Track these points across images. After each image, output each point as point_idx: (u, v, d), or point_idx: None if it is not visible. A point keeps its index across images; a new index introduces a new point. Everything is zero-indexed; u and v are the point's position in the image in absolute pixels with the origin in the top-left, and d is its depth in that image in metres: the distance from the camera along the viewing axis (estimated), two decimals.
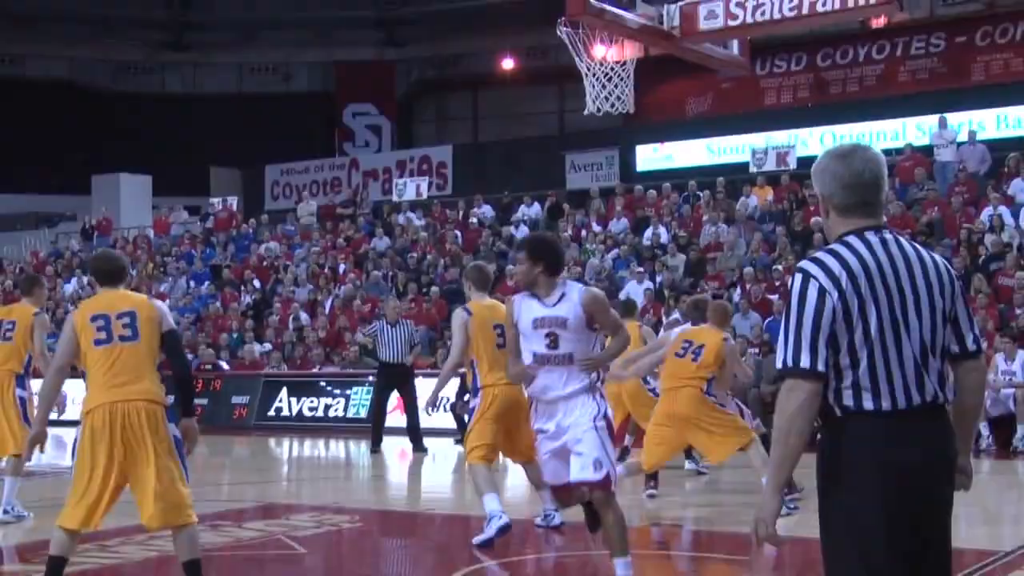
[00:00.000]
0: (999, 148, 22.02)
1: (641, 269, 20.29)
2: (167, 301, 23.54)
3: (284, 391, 20.42)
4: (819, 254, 3.58)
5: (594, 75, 12.43)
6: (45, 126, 36.49)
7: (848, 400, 3.50)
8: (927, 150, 22.39)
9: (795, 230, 20.47)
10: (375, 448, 15.83)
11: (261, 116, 37.21)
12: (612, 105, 12.57)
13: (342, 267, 24.64)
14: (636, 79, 12.77)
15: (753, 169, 23.64)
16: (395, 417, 16.79)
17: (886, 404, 3.48)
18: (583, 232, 23.18)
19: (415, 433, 15.63)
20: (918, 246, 3.66)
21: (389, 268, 23.79)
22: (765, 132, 26.74)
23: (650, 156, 29.51)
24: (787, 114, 29.03)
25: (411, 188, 28.31)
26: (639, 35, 11.74)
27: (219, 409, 20.49)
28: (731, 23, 11.61)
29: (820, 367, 3.47)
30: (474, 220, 25.55)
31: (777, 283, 18.72)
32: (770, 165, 23.43)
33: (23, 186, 36.11)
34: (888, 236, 3.59)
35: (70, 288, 28.04)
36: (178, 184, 34.16)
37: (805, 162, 24.14)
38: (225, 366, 21.81)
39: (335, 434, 18.86)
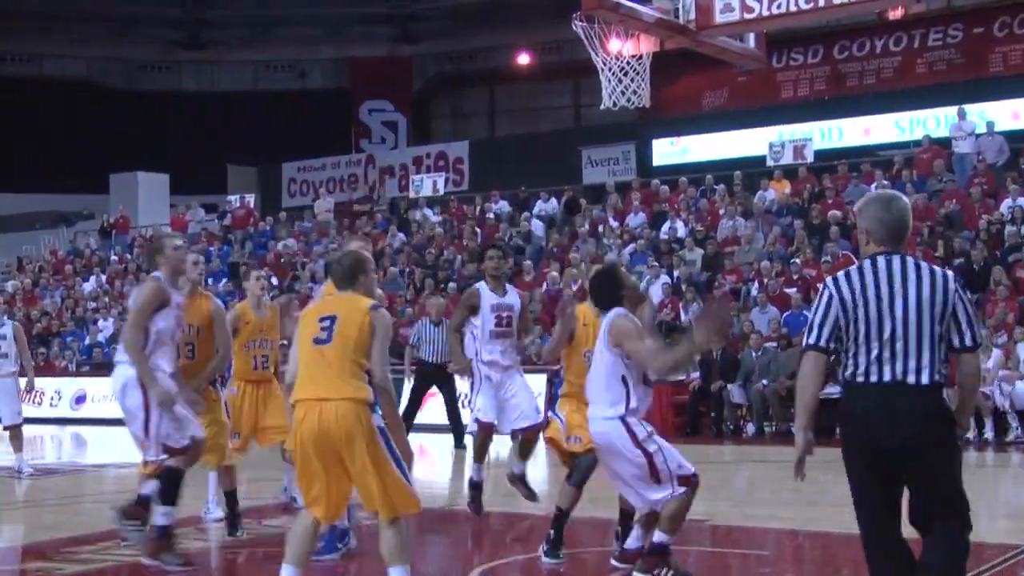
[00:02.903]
0: (1018, 139, 21.89)
1: (658, 264, 20.25)
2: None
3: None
4: (840, 272, 4.88)
5: (610, 70, 12.39)
6: (63, 125, 36.68)
7: (848, 373, 4.81)
8: (945, 142, 22.28)
9: (812, 223, 20.39)
10: None
11: (277, 113, 37.30)
12: (628, 100, 12.52)
13: None
14: (652, 73, 12.71)
15: (770, 162, 23.57)
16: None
17: (860, 378, 4.75)
18: (600, 227, 23.14)
19: (457, 429, 15.57)
20: (922, 264, 4.80)
21: (406, 264, 23.80)
22: (782, 125, 26.63)
23: (667, 150, 29.44)
24: (804, 107, 28.94)
25: (427, 184, 28.32)
26: (654, 29, 11.68)
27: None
28: (747, 16, 11.54)
29: (822, 343, 4.83)
30: (490, 215, 25.54)
31: (795, 276, 18.65)
32: (787, 158, 23.36)
33: (41, 185, 36.28)
34: (895, 259, 4.78)
35: (89, 287, 28.16)
36: (195, 182, 34.26)
37: (822, 155, 24.13)
38: None
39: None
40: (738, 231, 20.85)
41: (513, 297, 9.00)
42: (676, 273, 20.11)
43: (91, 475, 14.37)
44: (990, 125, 21.78)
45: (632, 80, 12.34)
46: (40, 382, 20.19)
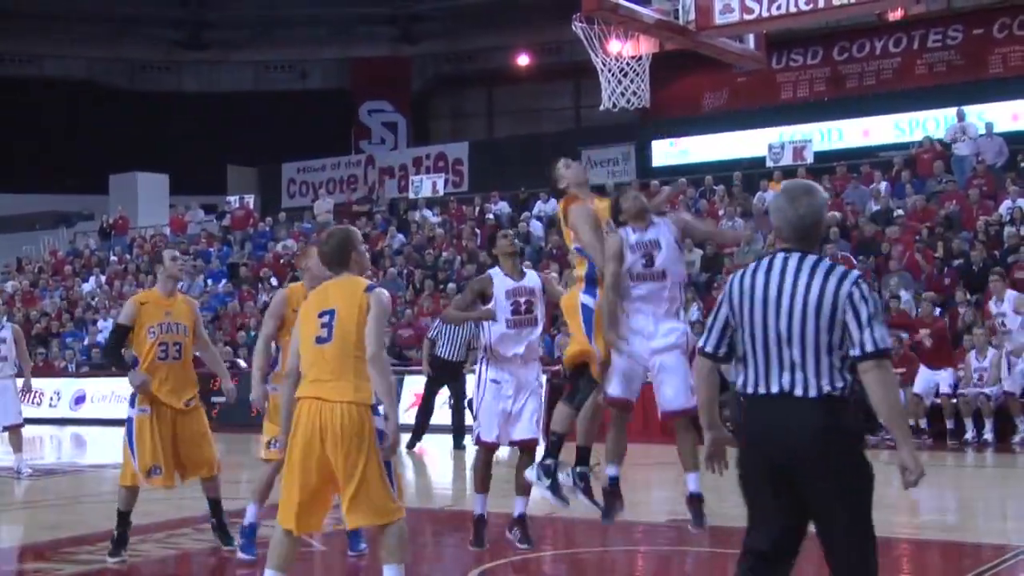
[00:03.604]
0: (1017, 140, 21.89)
1: None
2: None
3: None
4: (738, 271, 4.47)
5: (609, 71, 12.39)
6: (63, 126, 36.68)
7: (739, 383, 4.41)
8: (947, 146, 22.29)
9: None
10: (411, 444, 15.64)
11: (277, 114, 37.30)
12: (628, 100, 12.52)
13: None
14: (651, 74, 12.72)
15: (770, 164, 23.57)
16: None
17: (750, 388, 4.34)
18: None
19: (459, 430, 15.60)
20: (821, 263, 4.32)
21: (404, 265, 23.80)
22: (781, 127, 26.64)
23: (666, 151, 29.45)
24: (804, 108, 28.93)
25: (427, 185, 28.31)
26: (654, 30, 11.69)
27: (236, 407, 20.46)
28: (747, 17, 11.55)
29: (708, 348, 4.50)
30: (490, 216, 25.54)
31: None
32: (787, 159, 23.35)
33: (41, 185, 36.27)
34: (792, 258, 4.33)
35: (88, 287, 28.16)
36: (195, 183, 34.26)
37: (822, 156, 24.14)
38: (243, 364, 21.85)
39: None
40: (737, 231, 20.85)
41: (533, 279, 8.10)
42: None
43: (90, 475, 14.37)
44: (989, 126, 21.79)
45: (632, 81, 12.35)
46: (39, 382, 20.24)
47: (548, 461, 7.66)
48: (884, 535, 8.26)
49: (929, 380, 15.08)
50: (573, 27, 12.01)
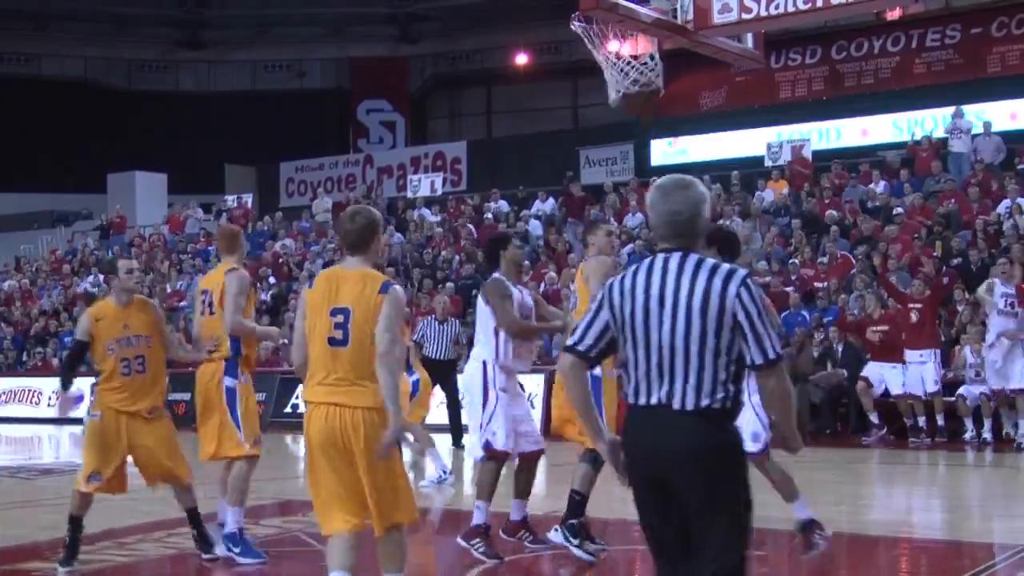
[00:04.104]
0: (1015, 139, 21.90)
1: None
2: (184, 300, 23.65)
3: (300, 388, 20.36)
4: (622, 272, 4.18)
5: (612, 63, 12.36)
6: (61, 125, 36.65)
7: (625, 391, 4.13)
8: (944, 142, 22.31)
9: (806, 214, 20.42)
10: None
11: (275, 113, 37.30)
12: (639, 84, 12.41)
13: None
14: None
15: (768, 163, 23.57)
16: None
17: (631, 398, 4.07)
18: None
19: (457, 429, 15.67)
20: (705, 263, 4.00)
21: (402, 263, 23.81)
22: (780, 126, 26.65)
23: (665, 150, 29.44)
24: (802, 107, 28.91)
25: (425, 184, 28.32)
26: (653, 29, 11.69)
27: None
28: (745, 16, 11.55)
29: (579, 347, 4.14)
30: (488, 215, 25.53)
31: (793, 276, 18.66)
32: (785, 159, 23.38)
33: (39, 185, 36.27)
34: (673, 257, 4.02)
35: (86, 286, 28.14)
36: (193, 182, 34.27)
37: (820, 155, 24.14)
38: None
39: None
40: (735, 231, 20.86)
41: (527, 294, 7.97)
42: None
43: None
44: (987, 125, 21.81)
45: (644, 63, 12.30)
46: (37, 382, 20.26)
47: (573, 521, 7.54)
48: (882, 535, 8.25)
49: (913, 366, 15.01)
50: (572, 26, 12.01)
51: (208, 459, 7.80)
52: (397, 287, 5.55)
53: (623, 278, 4.12)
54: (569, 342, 4.21)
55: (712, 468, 3.90)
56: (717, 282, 3.93)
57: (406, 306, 5.72)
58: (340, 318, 5.41)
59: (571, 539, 7.48)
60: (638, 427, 4.03)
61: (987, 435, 14.66)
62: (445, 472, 12.19)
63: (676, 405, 3.93)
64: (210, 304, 7.76)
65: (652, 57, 12.18)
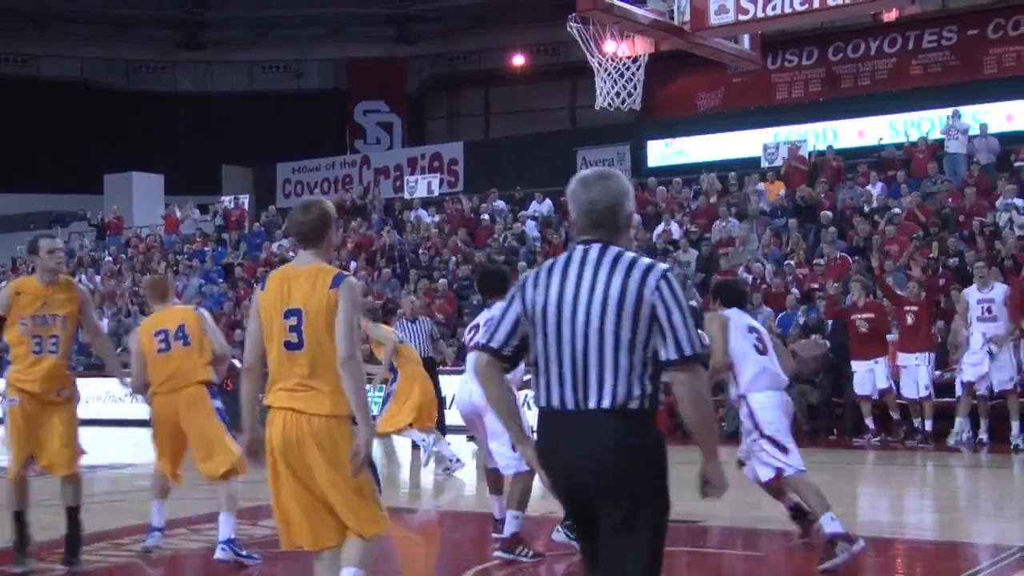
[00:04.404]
0: (1012, 141, 21.92)
1: None
2: (179, 300, 23.60)
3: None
4: (540, 265, 3.97)
5: (605, 70, 12.42)
6: (58, 125, 36.62)
7: (536, 394, 3.86)
8: (941, 144, 22.34)
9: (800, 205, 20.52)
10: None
11: (272, 114, 37.28)
12: (623, 101, 12.54)
13: (353, 264, 24.67)
14: (647, 74, 12.76)
15: (765, 164, 23.58)
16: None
17: (543, 400, 3.81)
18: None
19: (441, 427, 15.60)
20: (624, 255, 3.79)
21: (399, 264, 23.81)
22: (776, 127, 26.68)
23: (662, 151, 29.47)
24: (798, 108, 28.97)
25: (422, 185, 28.31)
26: (649, 30, 11.71)
27: (233, 407, 20.41)
28: (742, 17, 11.58)
29: (492, 344, 3.90)
30: (485, 216, 25.53)
31: (789, 277, 18.67)
32: (781, 160, 23.40)
33: (36, 185, 36.23)
34: (592, 249, 3.80)
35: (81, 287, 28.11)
36: (190, 182, 34.23)
37: (817, 157, 24.18)
38: (239, 364, 21.80)
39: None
40: (732, 232, 20.87)
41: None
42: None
43: (85, 476, 14.31)
44: (983, 127, 21.84)
45: (628, 81, 12.36)
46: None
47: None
48: (879, 535, 8.26)
49: (905, 369, 15.01)
50: (568, 27, 12.03)
51: (217, 475, 7.76)
52: (351, 279, 5.22)
53: (539, 270, 3.91)
54: (481, 340, 4.01)
55: (628, 473, 3.66)
56: (636, 275, 3.72)
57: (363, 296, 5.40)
58: (294, 320, 5.12)
59: (573, 537, 7.51)
60: (551, 431, 3.78)
61: (983, 436, 14.62)
62: (454, 460, 12.71)
63: (592, 404, 3.69)
64: (182, 338, 7.79)
65: (634, 74, 12.21)
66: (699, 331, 3.81)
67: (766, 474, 7.69)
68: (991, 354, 14.28)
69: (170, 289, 8.26)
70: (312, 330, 5.08)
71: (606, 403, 3.67)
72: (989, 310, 14.37)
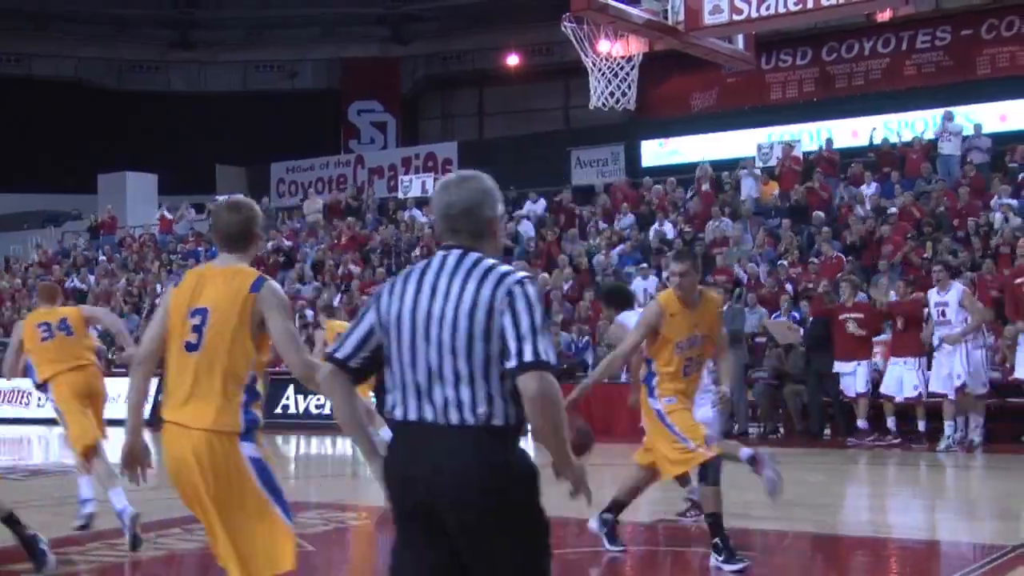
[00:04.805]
0: (1005, 141, 21.97)
1: (646, 265, 20.24)
2: None
3: (291, 388, 20.38)
4: (399, 273, 3.74)
5: (599, 70, 12.43)
6: (52, 125, 36.59)
7: (387, 406, 3.64)
8: (934, 144, 22.38)
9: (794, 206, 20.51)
10: None
11: (267, 114, 37.27)
12: (617, 101, 12.56)
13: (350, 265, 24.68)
14: (641, 74, 12.77)
15: (759, 164, 23.60)
16: None
17: (397, 413, 3.57)
18: (588, 228, 23.20)
19: None
20: (482, 262, 3.55)
21: (393, 264, 23.81)
22: (770, 127, 26.71)
23: (656, 151, 29.49)
24: (792, 108, 29.01)
25: (417, 185, 28.31)
26: (643, 30, 11.73)
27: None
28: (736, 17, 11.60)
29: (339, 355, 3.65)
30: None
31: (782, 277, 18.68)
32: (775, 160, 23.42)
33: (30, 185, 36.21)
34: (451, 256, 3.59)
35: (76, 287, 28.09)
36: (184, 182, 34.23)
37: (811, 157, 24.22)
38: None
39: (342, 431, 18.77)
40: (726, 232, 20.89)
41: None
42: (665, 274, 20.06)
43: (68, 477, 14.31)
44: (977, 127, 21.88)
45: (622, 81, 12.38)
46: (27, 383, 20.19)
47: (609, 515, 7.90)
48: (871, 535, 8.27)
49: (896, 371, 15.01)
50: (562, 27, 12.04)
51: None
52: (271, 282, 4.76)
53: (396, 278, 3.68)
54: (328, 349, 3.76)
55: (491, 496, 3.39)
56: (490, 281, 3.48)
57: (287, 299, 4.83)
58: (198, 319, 4.63)
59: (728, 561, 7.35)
60: (403, 446, 3.52)
61: (975, 436, 14.60)
62: None
63: (453, 418, 3.44)
64: (64, 329, 8.71)
65: (628, 74, 12.23)
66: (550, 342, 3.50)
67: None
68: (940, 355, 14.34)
69: (59, 294, 9.48)
70: (214, 332, 4.61)
71: (469, 416, 3.43)
72: (943, 313, 14.38)
